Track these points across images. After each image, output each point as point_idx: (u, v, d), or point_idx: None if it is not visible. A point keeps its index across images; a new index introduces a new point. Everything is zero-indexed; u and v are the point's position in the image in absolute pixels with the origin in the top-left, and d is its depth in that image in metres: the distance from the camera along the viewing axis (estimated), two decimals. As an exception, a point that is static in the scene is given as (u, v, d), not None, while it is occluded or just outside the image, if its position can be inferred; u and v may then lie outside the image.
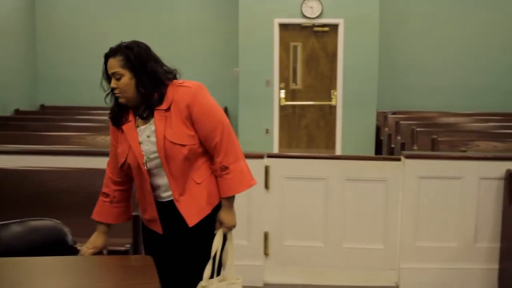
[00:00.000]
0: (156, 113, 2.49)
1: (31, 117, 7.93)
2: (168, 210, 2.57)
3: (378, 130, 8.67)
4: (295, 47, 8.70)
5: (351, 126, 8.65)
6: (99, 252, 2.61)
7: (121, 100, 2.52)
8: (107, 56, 2.52)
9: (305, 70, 8.73)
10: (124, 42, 2.54)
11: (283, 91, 8.70)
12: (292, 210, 4.39)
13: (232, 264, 2.71)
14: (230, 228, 2.69)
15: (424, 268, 4.30)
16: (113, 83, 2.49)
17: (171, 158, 2.48)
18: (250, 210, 4.30)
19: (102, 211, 2.68)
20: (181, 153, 2.47)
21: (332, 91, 8.70)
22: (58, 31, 9.46)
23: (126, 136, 2.53)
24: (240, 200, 4.25)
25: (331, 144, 8.80)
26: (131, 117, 2.55)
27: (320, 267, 4.45)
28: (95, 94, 9.32)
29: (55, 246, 2.56)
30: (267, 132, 8.72)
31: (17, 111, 8.48)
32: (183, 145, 2.47)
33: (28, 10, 9.23)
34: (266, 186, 4.32)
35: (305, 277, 4.40)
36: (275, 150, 8.62)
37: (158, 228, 2.61)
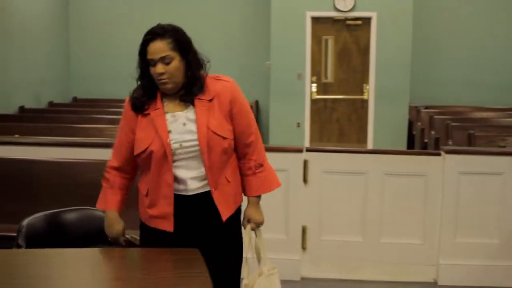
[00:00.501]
0: (197, 102, 2.42)
1: (64, 109, 8.01)
2: (190, 204, 2.44)
3: (411, 124, 8.59)
4: (327, 41, 8.65)
5: (383, 120, 8.58)
6: (132, 244, 2.58)
7: (168, 86, 2.38)
8: (151, 40, 2.36)
9: (337, 63, 8.68)
10: (164, 24, 2.40)
11: (314, 85, 8.66)
12: (330, 204, 4.37)
13: (265, 257, 2.70)
14: (259, 224, 2.69)
15: (463, 265, 4.25)
16: (161, 68, 2.35)
17: (212, 149, 2.41)
18: (288, 204, 4.28)
19: (106, 199, 2.58)
20: (221, 146, 2.42)
21: (364, 85, 8.64)
22: (90, 27, 9.55)
23: (154, 123, 2.39)
24: (278, 194, 4.26)
25: (362, 139, 8.74)
26: (159, 104, 2.42)
27: (358, 262, 4.42)
28: (126, 87, 9.46)
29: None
30: (298, 126, 8.69)
31: (51, 104, 8.59)
32: (224, 138, 2.43)
33: (61, 8, 9.32)
34: (305, 180, 4.29)
35: (342, 272, 4.38)
36: (306, 144, 8.59)
37: (167, 225, 2.44)
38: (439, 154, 4.30)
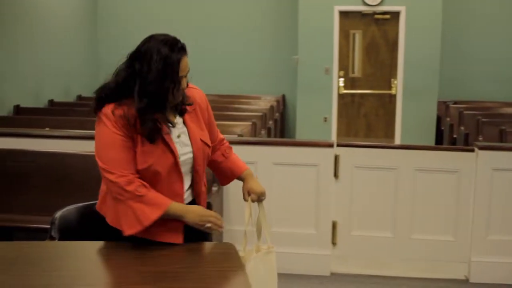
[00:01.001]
0: (186, 115, 2.38)
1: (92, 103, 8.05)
2: None
3: (439, 120, 8.50)
4: (355, 35, 8.60)
5: (411, 115, 8.51)
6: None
7: (180, 98, 2.31)
8: (183, 55, 2.28)
9: (365, 58, 8.62)
10: (168, 36, 2.31)
11: (342, 80, 8.62)
12: (361, 199, 4.34)
13: (266, 234, 2.67)
14: (261, 196, 2.61)
15: (496, 262, 4.20)
16: (185, 83, 2.31)
17: (203, 159, 2.41)
18: (318, 199, 4.27)
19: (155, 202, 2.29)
20: (207, 154, 2.45)
21: (392, 79, 8.57)
22: (118, 22, 9.61)
23: (168, 142, 2.29)
24: (308, 189, 4.27)
25: (390, 134, 8.68)
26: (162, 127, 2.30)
27: (388, 258, 4.39)
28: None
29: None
30: (325, 121, 8.66)
31: (79, 97, 8.66)
32: (209, 146, 2.45)
33: (90, 3, 9.41)
34: (335, 175, 4.27)
35: (372, 267, 4.36)
36: (333, 138, 8.56)
37: (176, 238, 2.35)
38: (472, 150, 4.24)
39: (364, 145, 4.41)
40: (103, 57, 9.61)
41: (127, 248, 2.35)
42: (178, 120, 2.36)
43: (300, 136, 8.62)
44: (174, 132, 2.34)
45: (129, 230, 2.24)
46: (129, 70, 2.26)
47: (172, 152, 2.29)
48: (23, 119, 6.29)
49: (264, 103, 8.39)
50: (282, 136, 8.83)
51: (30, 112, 6.85)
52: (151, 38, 2.28)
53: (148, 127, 2.22)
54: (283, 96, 9.30)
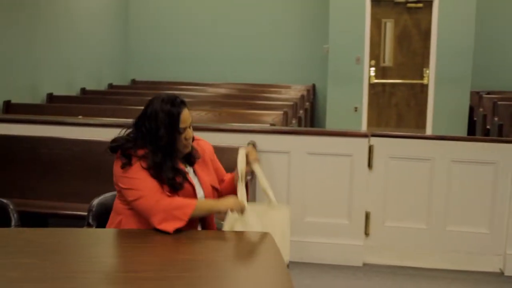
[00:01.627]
0: (196, 165, 2.68)
1: (123, 91, 8.11)
2: None
3: (471, 110, 8.37)
4: (386, 24, 8.50)
5: (443, 105, 8.39)
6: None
7: (189, 148, 2.62)
8: (183, 108, 2.55)
9: (396, 47, 8.52)
10: (168, 94, 2.60)
11: (373, 69, 8.53)
12: (394, 190, 4.30)
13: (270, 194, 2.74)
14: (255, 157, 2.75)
15: (532, 255, 4.14)
16: (191, 133, 2.59)
17: None
18: (351, 189, 4.24)
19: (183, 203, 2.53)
20: (215, 196, 2.72)
21: (424, 69, 8.46)
22: (149, 12, 9.62)
23: (190, 181, 2.60)
24: (341, 180, 4.24)
25: (421, 124, 8.58)
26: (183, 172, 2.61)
27: (421, 250, 4.35)
28: (182, 70, 9.54)
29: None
30: (355, 110, 8.59)
31: (110, 85, 8.72)
32: (217, 190, 2.74)
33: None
34: (369, 165, 4.23)
35: (405, 259, 4.32)
36: (363, 128, 8.49)
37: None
38: (510, 142, 4.17)
39: (399, 135, 4.36)
40: (134, 46, 9.67)
41: (162, 235, 2.36)
42: (189, 170, 2.65)
43: (330, 126, 8.57)
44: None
45: (171, 227, 2.40)
46: (139, 133, 2.56)
47: (193, 188, 2.59)
48: (56, 107, 6.35)
49: (294, 93, 8.35)
50: (312, 126, 8.79)
51: (63, 100, 6.91)
52: (153, 100, 2.57)
53: (171, 175, 2.51)
54: (313, 86, 9.25)
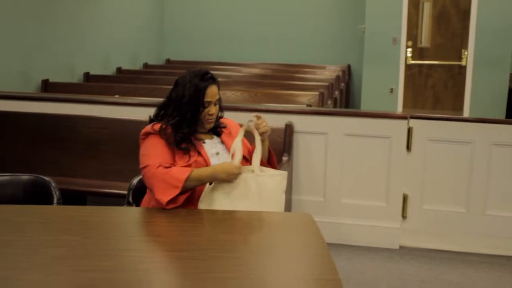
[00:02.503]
0: (223, 135, 2.78)
1: (158, 71, 8.13)
2: None
3: (511, 92, 8.19)
4: (424, 4, 8.33)
5: (481, 88, 8.21)
6: None
7: (211, 124, 2.72)
8: (210, 84, 2.65)
9: (434, 27, 8.35)
10: (201, 69, 2.71)
11: (410, 50, 8.39)
12: (433, 173, 4.24)
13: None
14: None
15: None
16: (214, 109, 2.68)
17: None
18: (389, 171, 4.19)
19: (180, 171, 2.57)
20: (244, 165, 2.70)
21: (463, 50, 8.28)
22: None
23: (203, 154, 2.65)
24: (379, 161, 4.19)
25: (458, 106, 8.42)
26: (194, 141, 2.68)
27: (460, 234, 4.28)
28: (216, 50, 9.52)
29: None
30: (391, 92, 8.47)
31: (145, 65, 8.75)
32: (247, 160, 2.73)
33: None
34: (408, 147, 4.18)
35: (443, 242, 4.26)
36: (399, 110, 8.38)
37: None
38: (553, 124, 4.07)
39: (438, 117, 4.27)
40: (169, 26, 9.68)
41: (202, 215, 2.36)
42: (216, 139, 2.76)
43: (365, 107, 8.48)
44: (211, 150, 2.70)
45: (166, 197, 2.43)
46: (168, 99, 2.72)
47: (206, 162, 2.63)
48: (93, 86, 6.40)
49: (329, 73, 8.27)
50: (346, 107, 8.72)
51: (99, 80, 6.96)
52: (186, 73, 2.70)
53: (179, 139, 2.61)
54: (349, 66, 9.16)
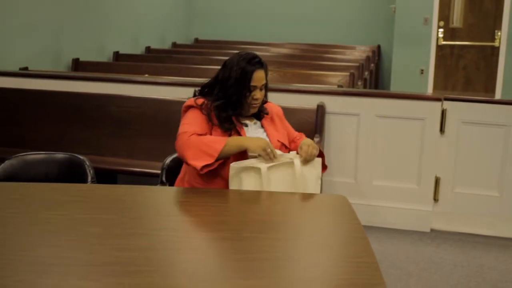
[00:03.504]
0: (263, 120, 2.77)
1: (187, 50, 8.12)
2: None
3: (544, 74, 8.03)
4: (457, -17, 8.18)
5: (515, 69, 8.07)
6: None
7: (256, 109, 2.71)
8: (257, 68, 2.62)
9: (467, 7, 8.19)
10: (250, 53, 2.68)
11: (441, 30, 8.25)
12: (466, 156, 4.18)
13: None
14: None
15: None
16: (259, 94, 2.65)
17: None
18: (422, 153, 4.14)
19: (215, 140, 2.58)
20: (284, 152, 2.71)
21: (496, 31, 8.12)
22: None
23: (238, 131, 2.64)
24: (412, 144, 4.14)
25: (490, 88, 8.27)
26: (236, 123, 2.67)
27: (492, 218, 4.24)
28: (244, 29, 9.47)
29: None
30: (421, 73, 8.36)
31: (174, 44, 8.74)
32: (286, 146, 2.75)
33: None
34: (441, 130, 4.12)
35: (475, 226, 4.22)
36: (429, 91, 8.26)
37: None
38: None
39: (473, 99, 4.19)
40: (197, 5, 9.65)
41: (237, 195, 2.35)
42: (257, 124, 2.75)
43: (394, 88, 8.38)
44: (251, 134, 2.68)
45: (200, 162, 2.45)
46: (214, 79, 2.73)
47: None
48: (122, 65, 6.41)
49: (359, 54, 8.18)
50: (376, 88, 8.63)
51: (129, 59, 6.97)
52: (235, 55, 2.68)
53: (222, 122, 2.61)
54: (378, 47, 9.05)
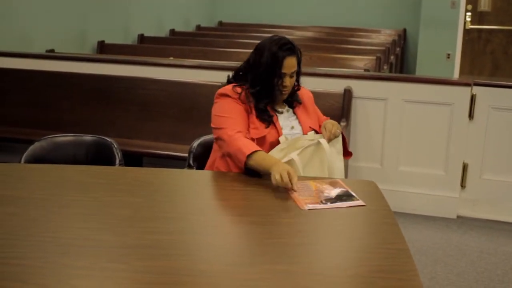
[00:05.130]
0: (296, 108, 2.72)
1: (211, 33, 8.09)
2: None
3: None
4: (486, -35, 8.03)
5: (544, 54, 7.92)
6: None
7: (286, 96, 2.65)
8: (288, 55, 2.54)
9: (496, -9, 8.05)
10: (291, 40, 2.61)
11: (469, 14, 8.11)
12: (495, 142, 4.12)
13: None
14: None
15: None
16: (289, 82, 2.59)
17: None
18: (450, 139, 4.09)
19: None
20: None
21: (526, 15, 7.98)
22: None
23: (277, 127, 2.61)
24: (440, 128, 4.09)
25: (519, 74, 8.15)
26: (270, 111, 2.64)
27: (520, 205, 4.18)
28: (269, 12, 9.41)
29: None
30: (448, 57, 8.24)
31: (198, 27, 8.72)
32: (316, 132, 2.69)
33: None
34: (470, 115, 4.06)
35: (503, 214, 4.16)
36: (455, 76, 8.15)
37: None
38: None
39: (504, 85, 4.11)
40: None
41: (266, 180, 2.33)
42: (290, 111, 2.70)
43: (420, 72, 8.27)
44: (287, 123, 2.66)
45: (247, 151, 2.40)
46: (246, 63, 2.66)
47: (277, 131, 2.59)
48: (147, 47, 6.41)
49: (384, 37, 8.08)
50: (401, 72, 8.53)
51: (153, 41, 6.97)
52: (268, 38, 2.61)
53: (259, 113, 2.57)
54: (404, 30, 8.93)
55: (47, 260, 1.64)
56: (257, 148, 2.43)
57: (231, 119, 2.54)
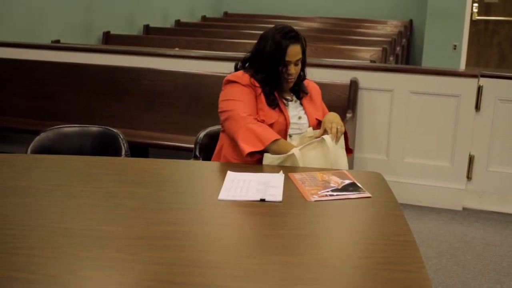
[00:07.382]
0: (303, 99, 2.73)
1: (217, 23, 8.08)
2: None
3: None
4: (493, -44, 7.97)
5: (551, 46, 7.88)
6: None
7: (291, 84, 2.66)
8: (292, 43, 2.56)
9: (503, -19, 8.00)
10: (295, 29, 2.63)
11: (476, 5, 8.06)
12: (502, 134, 4.11)
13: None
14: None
15: None
16: (294, 69, 2.59)
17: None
18: (456, 131, 4.08)
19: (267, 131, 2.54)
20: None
21: (533, 6, 7.93)
22: None
23: (285, 115, 2.63)
24: (446, 120, 4.08)
25: (525, 65, 8.10)
26: (278, 98, 2.65)
27: (527, 197, 4.17)
28: (275, 3, 9.38)
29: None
30: (454, 49, 8.20)
31: (203, 18, 8.70)
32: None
33: None
34: (477, 107, 4.05)
35: (508, 206, 4.16)
36: (462, 67, 8.11)
37: None
38: None
39: (511, 76, 4.10)
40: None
41: (277, 170, 2.33)
42: (298, 101, 2.71)
43: (426, 64, 8.25)
44: (295, 113, 2.67)
45: (249, 148, 2.44)
46: (252, 52, 2.69)
47: (285, 118, 2.62)
48: (153, 38, 6.41)
49: (390, 28, 8.05)
50: (407, 63, 8.50)
51: (159, 32, 6.97)
52: (272, 27, 2.64)
53: (267, 97, 2.60)
54: (411, 21, 8.89)
55: (56, 250, 1.65)
56: (277, 136, 2.50)
57: (241, 102, 2.58)
